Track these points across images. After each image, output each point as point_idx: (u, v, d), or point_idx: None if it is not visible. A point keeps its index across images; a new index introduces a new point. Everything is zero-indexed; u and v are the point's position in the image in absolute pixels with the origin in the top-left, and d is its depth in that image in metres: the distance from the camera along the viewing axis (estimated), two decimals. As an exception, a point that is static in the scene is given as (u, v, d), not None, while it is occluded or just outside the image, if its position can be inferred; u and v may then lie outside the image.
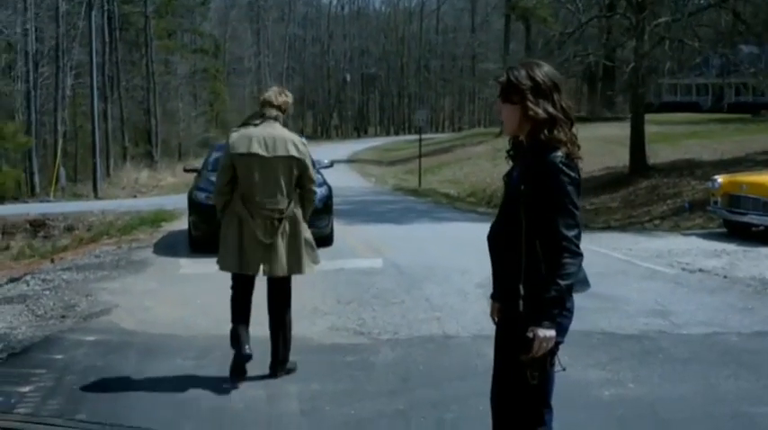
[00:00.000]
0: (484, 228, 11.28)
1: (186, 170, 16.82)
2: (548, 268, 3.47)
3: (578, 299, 8.85)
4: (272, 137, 6.20)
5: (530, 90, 3.55)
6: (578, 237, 3.50)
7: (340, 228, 15.84)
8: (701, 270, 10.93)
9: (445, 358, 6.93)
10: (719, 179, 15.31)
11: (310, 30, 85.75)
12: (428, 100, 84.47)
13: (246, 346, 6.28)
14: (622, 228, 17.81)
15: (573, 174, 3.53)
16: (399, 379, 6.35)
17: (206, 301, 9.31)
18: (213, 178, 13.53)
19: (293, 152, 6.24)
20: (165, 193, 31.01)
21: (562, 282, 3.46)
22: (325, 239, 13.25)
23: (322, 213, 12.96)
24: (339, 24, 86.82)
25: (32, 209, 28.19)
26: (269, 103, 6.31)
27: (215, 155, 15.30)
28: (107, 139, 39.96)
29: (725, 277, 10.45)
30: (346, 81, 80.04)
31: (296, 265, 6.40)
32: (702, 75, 39.87)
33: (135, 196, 32.34)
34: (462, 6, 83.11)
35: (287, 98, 6.42)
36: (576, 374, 6.27)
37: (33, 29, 36.26)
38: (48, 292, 10.20)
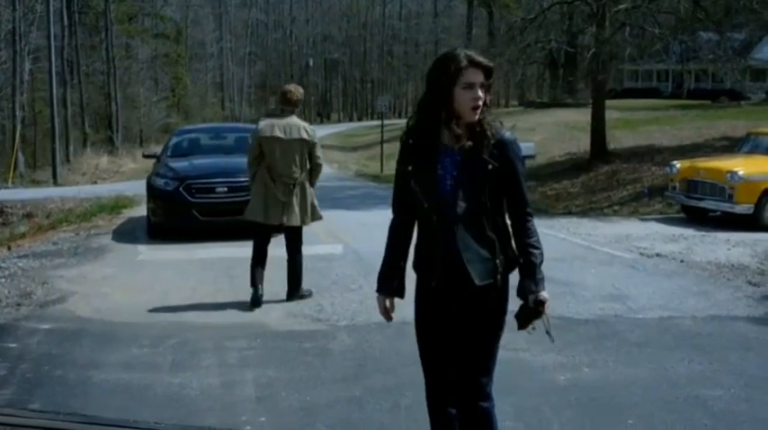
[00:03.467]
0: None
1: (145, 156, 16.65)
2: (519, 237, 3.66)
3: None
4: (288, 124, 8.25)
5: None
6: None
7: (301, 214, 15.82)
8: (658, 255, 11.05)
9: (402, 343, 6.89)
10: (678, 165, 15.48)
11: (273, 14, 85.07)
12: (391, 86, 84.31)
13: (260, 287, 8.28)
14: (583, 213, 17.93)
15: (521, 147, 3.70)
16: (356, 365, 6.35)
17: (164, 288, 9.26)
18: (173, 164, 13.55)
19: (304, 136, 8.28)
20: (126, 179, 30.71)
21: (540, 247, 3.69)
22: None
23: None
24: (302, 9, 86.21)
25: (-9, 195, 27.74)
26: (287, 99, 8.36)
27: (175, 140, 15.20)
28: (66, 125, 39.43)
29: (682, 262, 10.58)
30: (309, 66, 79.65)
31: (305, 217, 8.47)
32: (663, 61, 40.18)
33: (95, 182, 31.97)
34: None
35: (299, 94, 8.46)
36: (531, 359, 6.33)
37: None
38: (3, 280, 10.05)
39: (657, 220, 15.32)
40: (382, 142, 32.95)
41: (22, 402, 5.62)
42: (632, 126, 32.18)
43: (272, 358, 6.55)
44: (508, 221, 3.70)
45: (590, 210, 18.83)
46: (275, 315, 8.00)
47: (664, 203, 17.14)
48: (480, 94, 3.52)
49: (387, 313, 3.92)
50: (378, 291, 3.90)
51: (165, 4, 56.21)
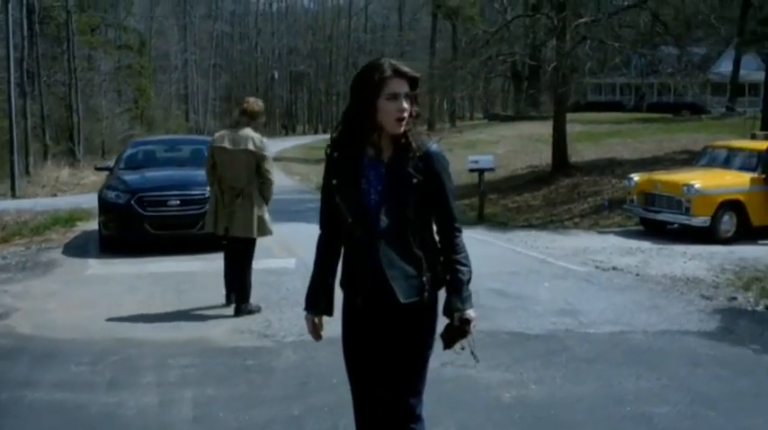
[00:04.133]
0: None
1: (98, 168, 16.41)
2: (447, 253, 3.51)
3: (488, 299, 8.85)
4: (239, 136, 8.37)
5: None
6: None
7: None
8: (614, 268, 11.01)
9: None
10: (635, 178, 15.51)
11: (238, 27, 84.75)
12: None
13: (230, 295, 8.58)
14: (543, 226, 17.93)
15: (448, 161, 3.59)
16: (298, 383, 6.19)
17: (110, 303, 9.04)
18: (125, 177, 13.33)
19: (251, 147, 8.31)
20: (87, 192, 30.19)
21: (469, 263, 3.54)
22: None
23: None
24: (267, 21, 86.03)
25: (-55, 208, 27.23)
26: (243, 110, 8.54)
27: (129, 152, 14.96)
28: (26, 137, 38.79)
29: (637, 275, 10.55)
30: (274, 78, 79.46)
31: (249, 229, 8.39)
32: (625, 75, 40.52)
33: (55, 195, 31.47)
34: (390, 5, 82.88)
35: (257, 107, 8.57)
36: (478, 376, 6.21)
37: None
38: (-57, 295, 9.80)
39: (616, 233, 15.33)
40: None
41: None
42: (594, 139, 32.35)
43: (213, 376, 6.39)
44: (438, 237, 3.57)
45: (550, 222, 18.83)
46: (221, 330, 7.83)
47: (623, 216, 17.15)
48: (405, 105, 3.41)
49: (315, 332, 3.79)
50: (305, 309, 3.77)
51: (128, 15, 55.71)
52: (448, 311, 3.51)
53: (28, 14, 42.38)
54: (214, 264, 9.67)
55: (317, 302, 3.72)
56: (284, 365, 6.68)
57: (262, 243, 13.32)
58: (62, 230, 16.46)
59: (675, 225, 14.70)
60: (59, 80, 45.76)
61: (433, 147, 3.49)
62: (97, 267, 11.53)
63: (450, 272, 3.50)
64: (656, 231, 14.90)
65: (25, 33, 41.00)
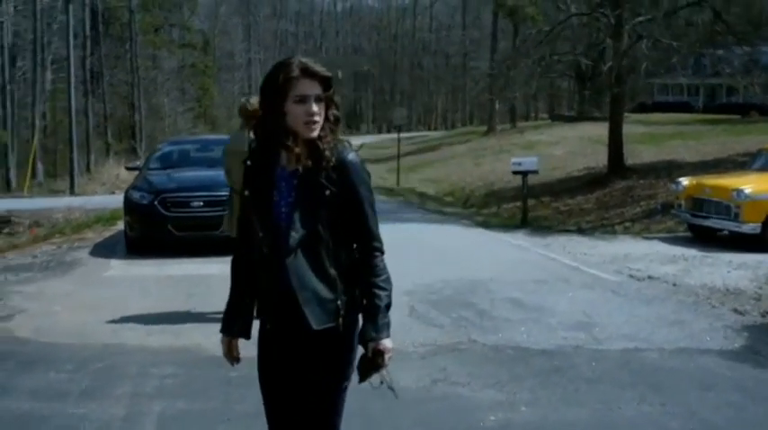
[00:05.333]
0: (437, 231, 10.79)
1: (128, 168, 16.38)
2: (363, 275, 3.14)
3: (503, 309, 8.42)
4: (240, 137, 8.15)
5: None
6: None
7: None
8: (649, 277, 10.46)
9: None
10: (684, 182, 14.84)
11: (302, 26, 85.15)
12: (421, 98, 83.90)
13: None
14: (591, 230, 17.31)
15: (369, 172, 3.20)
16: (276, 398, 5.85)
17: (117, 306, 8.84)
18: (151, 177, 13.18)
19: (246, 149, 7.90)
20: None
21: (389, 287, 3.16)
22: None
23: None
24: (332, 21, 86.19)
25: (4, 205, 27.65)
26: (239, 111, 8.35)
27: (159, 152, 14.85)
28: (88, 135, 39.39)
29: (674, 285, 9.99)
30: (338, 78, 79.09)
31: None
32: (693, 75, 39.36)
33: (113, 192, 31.72)
34: (455, 4, 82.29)
35: (250, 107, 7.99)
36: (469, 394, 5.84)
37: (9, 22, 35.70)
38: (-43, 296, 9.73)
39: (662, 239, 14.67)
40: (399, 155, 32.62)
41: None
42: (656, 140, 31.45)
43: (190, 388, 6.10)
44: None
45: (600, 226, 18.19)
46: (216, 339, 7.51)
47: (675, 221, 16.47)
48: (315, 108, 3.04)
49: (229, 355, 3.44)
50: (221, 331, 3.42)
51: (192, 15, 56.22)
52: (362, 340, 3.13)
53: (92, 15, 43.02)
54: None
55: (232, 324, 3.39)
56: (268, 378, 6.35)
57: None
58: (100, 229, 16.47)
59: (725, 232, 14.00)
60: (122, 79, 46.36)
61: (350, 156, 3.11)
62: (117, 268, 11.39)
63: (366, 296, 3.13)
64: (705, 238, 14.19)
65: (89, 33, 41.57)
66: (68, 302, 9.22)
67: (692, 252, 12.84)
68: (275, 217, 3.11)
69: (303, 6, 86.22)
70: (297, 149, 3.07)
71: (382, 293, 3.11)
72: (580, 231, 17.05)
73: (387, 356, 3.11)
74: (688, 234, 14.90)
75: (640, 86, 44.45)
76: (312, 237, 3.06)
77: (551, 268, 11.11)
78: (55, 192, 33.50)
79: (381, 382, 3.19)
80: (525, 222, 17.14)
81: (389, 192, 27.11)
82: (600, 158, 26.79)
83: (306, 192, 3.07)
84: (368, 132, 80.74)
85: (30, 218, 24.02)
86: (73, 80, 33.25)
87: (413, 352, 6.98)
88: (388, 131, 77.90)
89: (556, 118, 52.71)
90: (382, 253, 3.17)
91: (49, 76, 38.55)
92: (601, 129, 34.99)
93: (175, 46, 53.51)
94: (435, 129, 78.68)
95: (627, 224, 18.34)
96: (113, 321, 8.23)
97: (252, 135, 8.03)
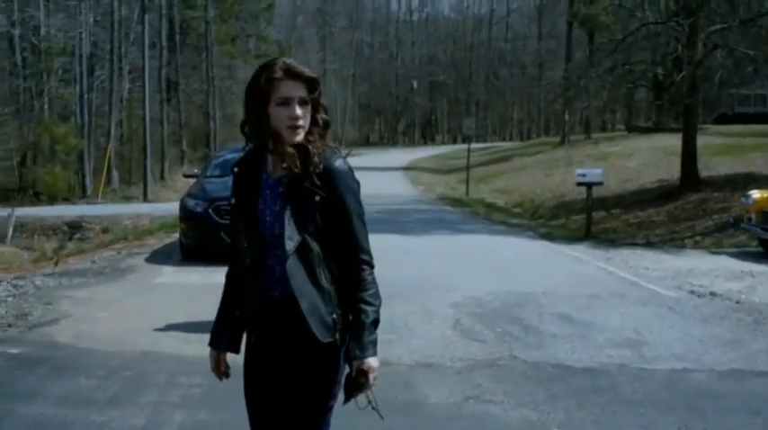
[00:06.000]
0: (497, 242, 10.56)
1: (185, 176, 16.44)
2: (351, 289, 2.95)
3: (551, 324, 8.13)
4: None
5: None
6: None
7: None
8: (711, 293, 10.02)
9: (367, 388, 6.25)
10: (754, 195, 14.30)
11: (378, 36, 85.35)
12: (496, 108, 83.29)
13: None
14: (660, 244, 16.81)
15: (358, 181, 3.00)
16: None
17: (160, 313, 8.81)
18: (207, 185, 13.21)
19: None
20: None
21: (377, 303, 2.97)
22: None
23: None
24: (407, 31, 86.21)
25: (77, 210, 28.28)
26: None
27: (217, 159, 14.89)
28: (163, 143, 40.06)
29: (736, 302, 9.55)
30: (413, 88, 79.31)
31: None
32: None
33: (184, 200, 32.30)
34: (531, 14, 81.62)
35: None
36: (499, 414, 5.59)
37: (88, 33, 36.50)
38: (10, 299, 9.84)
39: (731, 254, 14.12)
40: (468, 166, 32.31)
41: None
42: (735, 152, 30.48)
43: (215, 398, 5.95)
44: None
45: (670, 240, 17.66)
46: (254, 348, 7.41)
47: (747, 236, 15.87)
48: (299, 111, 2.87)
49: (216, 369, 3.30)
50: (208, 344, 3.29)
51: (268, 25, 56.78)
52: (347, 358, 2.94)
53: (169, 25, 43.78)
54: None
55: (219, 337, 3.27)
56: (295, 390, 6.20)
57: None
58: (162, 236, 16.60)
59: (798, 248, 13.42)
60: (198, 88, 47.04)
61: (338, 162, 2.93)
62: (168, 276, 11.41)
63: (352, 311, 2.94)
64: (777, 254, 13.64)
65: (165, 44, 42.29)
66: (114, 308, 9.23)
67: (760, 268, 12.32)
68: (260, 226, 2.96)
69: (379, 16, 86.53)
70: (281, 156, 2.91)
71: (369, 309, 2.93)
72: (647, 245, 16.57)
73: (371, 376, 2.92)
74: (759, 249, 14.33)
75: (720, 97, 43.27)
76: (302, 247, 2.90)
77: (608, 282, 10.74)
78: (128, 199, 34.17)
79: (369, 402, 2.99)
80: (589, 235, 16.72)
81: (457, 202, 26.85)
82: (674, 170, 26.09)
83: (293, 199, 2.91)
84: (443, 143, 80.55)
85: (100, 223, 24.55)
86: (148, 89, 33.85)
87: (450, 367, 6.77)
88: (463, 142, 77.69)
89: (632, 129, 51.62)
90: (371, 266, 2.99)
91: (126, 85, 39.33)
92: (676, 141, 34.01)
93: (251, 56, 54.03)
94: (510, 139, 78.02)
95: (697, 238, 17.77)
96: (155, 329, 8.19)
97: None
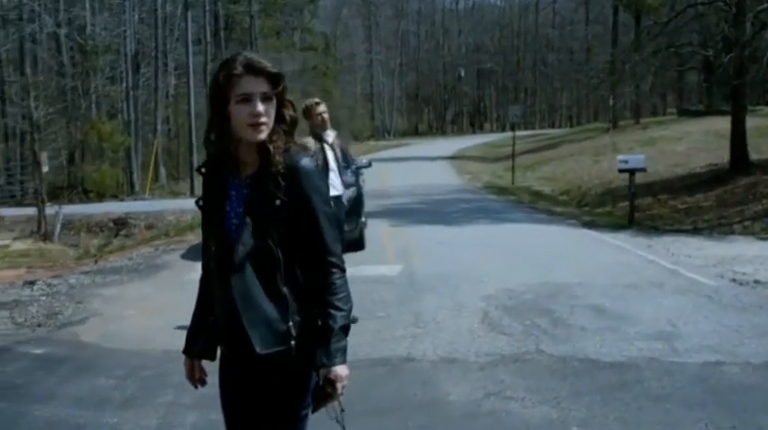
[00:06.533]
0: (537, 231, 10.24)
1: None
2: (319, 294, 2.79)
3: (582, 317, 7.90)
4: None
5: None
6: (341, 251, 2.87)
7: (390, 230, 15.19)
8: (756, 281, 9.67)
9: (383, 386, 6.12)
10: (803, 178, 13.82)
11: (424, 25, 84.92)
12: (544, 95, 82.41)
13: None
14: (708, 230, 16.38)
15: (326, 180, 2.81)
16: (313, 411, 5.58)
17: (185, 311, 8.65)
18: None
19: None
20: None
21: (346, 307, 2.83)
22: (354, 244, 12.56)
23: (348, 216, 12.25)
24: (454, 19, 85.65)
25: (125, 207, 28.59)
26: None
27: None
28: (209, 138, 40.29)
29: (780, 290, 9.20)
30: (461, 76, 78.79)
31: None
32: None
33: (231, 194, 32.46)
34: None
35: (306, 109, 8.16)
36: (519, 411, 5.42)
37: (133, 31, 36.83)
38: (43, 298, 9.91)
39: (780, 241, 13.71)
40: (513, 154, 31.98)
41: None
42: (789, 135, 29.76)
43: (230, 399, 5.88)
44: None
45: (718, 225, 17.19)
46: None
47: (800, 220, 15.43)
48: (261, 107, 2.71)
49: (191, 377, 3.18)
50: (183, 351, 3.17)
51: (313, 18, 56.83)
52: (315, 366, 2.79)
53: (214, 21, 44.00)
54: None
55: (192, 345, 3.15)
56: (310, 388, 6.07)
57: (378, 247, 12.95)
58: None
59: None
60: (244, 83, 47.25)
61: (303, 161, 2.77)
62: (200, 272, 11.34)
63: (321, 317, 2.79)
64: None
65: (210, 39, 42.52)
66: (143, 306, 9.22)
67: (811, 254, 11.91)
68: (227, 229, 2.82)
69: (425, 5, 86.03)
70: (247, 156, 2.78)
71: (337, 314, 2.77)
72: (694, 231, 16.15)
73: (339, 385, 2.76)
74: (812, 234, 13.89)
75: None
76: (261, 252, 2.75)
77: (647, 271, 10.44)
78: (176, 195, 34.42)
79: (343, 411, 2.84)
80: (632, 222, 16.35)
81: (502, 190, 26.56)
82: (724, 154, 25.47)
83: (255, 202, 2.77)
84: (491, 131, 79.93)
85: (145, 220, 24.76)
86: (193, 85, 34.02)
87: (473, 362, 6.59)
88: (512, 130, 77.13)
89: (683, 112, 50.64)
90: (341, 269, 2.84)
91: (171, 81, 39.62)
92: (727, 124, 33.34)
93: (296, 49, 54.16)
94: (559, 126, 77.18)
95: (746, 223, 17.28)
96: (180, 327, 8.11)
97: (307, 137, 7.97)
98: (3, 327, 8.53)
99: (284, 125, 2.80)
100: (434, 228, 15.44)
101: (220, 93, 2.74)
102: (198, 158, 35.76)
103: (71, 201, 31.43)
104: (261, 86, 2.72)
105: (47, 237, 23.45)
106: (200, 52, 40.21)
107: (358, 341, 7.29)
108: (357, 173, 13.59)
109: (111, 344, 7.62)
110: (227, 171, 2.85)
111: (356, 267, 11.10)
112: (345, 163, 13.67)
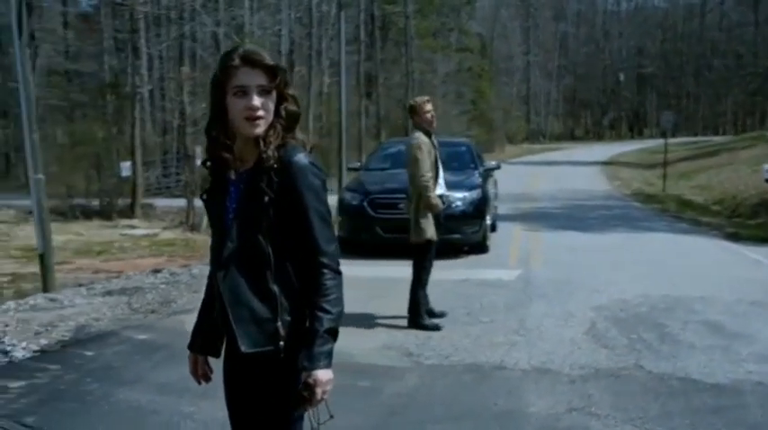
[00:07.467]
0: (671, 241, 9.89)
1: (349, 169, 16.51)
2: (309, 295, 2.70)
3: (695, 334, 7.47)
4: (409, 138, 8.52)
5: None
6: (338, 251, 2.75)
7: (521, 234, 14.95)
8: None
9: (467, 393, 5.93)
10: None
11: (584, 27, 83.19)
12: (707, 101, 79.17)
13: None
14: None
15: (323, 176, 2.75)
16: (386, 413, 5.49)
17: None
18: (365, 178, 13.17)
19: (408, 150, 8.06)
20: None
21: (335, 310, 2.71)
22: (478, 246, 12.40)
23: (472, 218, 12.10)
24: (615, 22, 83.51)
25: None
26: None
27: (378, 152, 14.81)
28: (360, 136, 40.78)
29: None
30: (620, 80, 76.78)
31: (412, 234, 7.99)
32: None
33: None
34: (747, 0, 76.89)
35: (416, 106, 7.96)
36: (596, 429, 5.12)
37: (288, 30, 37.67)
38: (162, 286, 10.23)
39: None
40: (665, 160, 30.87)
41: (20, 414, 5.44)
42: None
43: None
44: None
45: None
46: (371, 345, 7.26)
47: None
48: (257, 101, 2.64)
49: (194, 373, 3.14)
50: (187, 347, 3.14)
51: (469, 19, 56.65)
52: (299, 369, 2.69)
53: (370, 20, 44.52)
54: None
55: (194, 341, 3.11)
56: (392, 390, 5.98)
57: (499, 251, 12.70)
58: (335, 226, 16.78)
59: None
60: (398, 82, 47.57)
61: (297, 157, 2.67)
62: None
63: (309, 318, 2.69)
64: None
65: (363, 39, 43.00)
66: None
67: None
68: (224, 226, 2.77)
69: (585, 7, 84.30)
70: (246, 151, 2.71)
71: (324, 316, 2.66)
72: None
73: (319, 391, 2.64)
74: None
75: None
76: (250, 249, 2.68)
77: (779, 289, 9.79)
78: (326, 190, 35.03)
79: (332, 417, 2.73)
80: (777, 234, 15.43)
81: (649, 198, 25.65)
82: None
83: (247, 197, 2.70)
84: (651, 136, 77.51)
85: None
86: (345, 83, 34.44)
87: (566, 374, 6.32)
88: (673, 136, 74.50)
89: None
90: (334, 271, 2.71)
91: (325, 79, 40.26)
92: None
93: (452, 50, 54.13)
94: (723, 133, 74.01)
95: None
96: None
97: (414, 134, 7.93)
98: (119, 312, 8.84)
99: (282, 120, 2.71)
100: (567, 234, 15.06)
101: (219, 85, 2.69)
102: (349, 155, 36.29)
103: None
104: (258, 79, 2.65)
105: (194, 227, 24.25)
106: (353, 51, 40.75)
107: (455, 346, 7.20)
108: (485, 175, 13.41)
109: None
110: (228, 166, 2.79)
111: (474, 270, 11.03)
112: (474, 164, 13.56)
